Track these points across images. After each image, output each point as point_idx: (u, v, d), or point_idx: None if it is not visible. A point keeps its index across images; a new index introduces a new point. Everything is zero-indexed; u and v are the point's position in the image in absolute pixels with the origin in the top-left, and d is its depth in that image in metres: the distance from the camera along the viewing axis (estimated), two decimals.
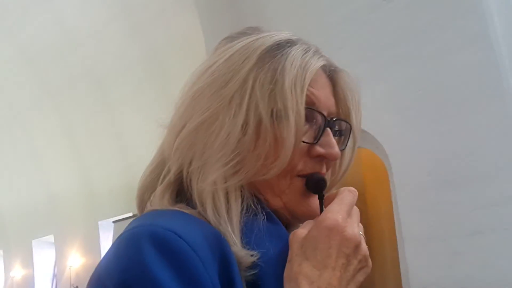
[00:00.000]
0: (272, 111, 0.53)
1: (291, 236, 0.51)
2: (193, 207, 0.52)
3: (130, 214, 5.69)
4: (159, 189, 0.55)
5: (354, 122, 0.60)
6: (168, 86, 5.07)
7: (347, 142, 0.60)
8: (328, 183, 0.57)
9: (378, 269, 3.00)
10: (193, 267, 0.44)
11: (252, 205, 0.52)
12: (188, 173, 0.54)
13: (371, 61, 2.31)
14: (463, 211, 1.98)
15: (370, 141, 2.41)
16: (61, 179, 6.86)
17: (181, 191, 0.55)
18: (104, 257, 0.46)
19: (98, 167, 6.41)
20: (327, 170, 0.58)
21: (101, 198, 6.40)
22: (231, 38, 0.60)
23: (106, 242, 6.46)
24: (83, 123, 6.33)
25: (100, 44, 5.54)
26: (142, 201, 0.58)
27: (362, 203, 3.11)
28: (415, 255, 2.09)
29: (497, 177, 1.91)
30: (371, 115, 2.33)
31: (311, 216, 0.54)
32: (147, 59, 5.30)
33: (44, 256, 7.78)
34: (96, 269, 0.46)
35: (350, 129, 0.60)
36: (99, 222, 6.53)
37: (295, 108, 0.52)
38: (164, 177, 0.56)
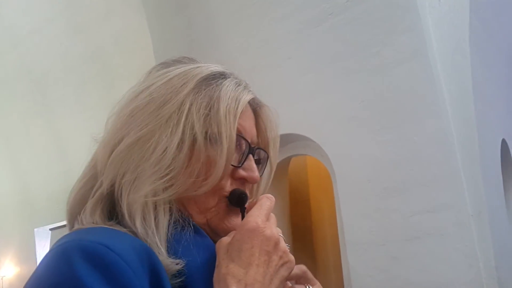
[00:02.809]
0: (206, 133, 0.57)
1: (217, 244, 0.56)
2: (124, 223, 0.53)
3: None
4: (90, 202, 0.56)
5: (271, 152, 0.67)
6: (112, 87, 4.91)
7: (264, 169, 0.67)
8: (249, 199, 0.62)
9: (321, 272, 3.06)
10: (125, 278, 0.44)
11: (180, 219, 0.56)
12: (120, 185, 0.55)
13: (317, 72, 2.38)
14: (401, 217, 2.08)
15: (315, 149, 2.48)
16: None
17: (112, 207, 0.56)
18: (33, 274, 0.46)
19: (35, 171, 6.07)
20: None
21: (38, 204, 6.06)
22: (166, 64, 0.65)
23: (42, 251, 6.11)
24: (20, 124, 5.98)
25: (41, 42, 5.27)
26: (72, 216, 0.58)
27: (306, 209, 3.17)
28: (356, 259, 2.17)
29: (432, 185, 2.03)
30: (317, 124, 2.39)
31: (230, 231, 0.59)
32: (91, 59, 5.10)
33: None
34: (25, 287, 0.44)
35: (267, 158, 0.66)
36: (35, 230, 6.17)
37: (228, 134, 0.57)
38: (96, 191, 0.56)
